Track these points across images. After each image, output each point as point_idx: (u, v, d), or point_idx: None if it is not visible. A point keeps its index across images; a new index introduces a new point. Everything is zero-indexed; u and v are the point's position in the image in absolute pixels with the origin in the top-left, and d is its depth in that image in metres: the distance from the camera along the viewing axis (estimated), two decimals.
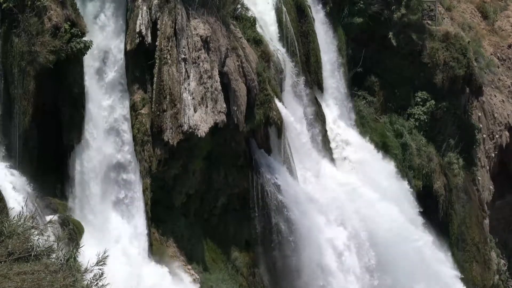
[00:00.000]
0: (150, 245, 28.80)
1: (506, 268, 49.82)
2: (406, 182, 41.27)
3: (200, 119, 29.01)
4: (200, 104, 29.16)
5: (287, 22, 35.93)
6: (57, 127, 26.55)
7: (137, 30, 28.18)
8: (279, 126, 32.57)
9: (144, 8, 28.50)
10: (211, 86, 29.54)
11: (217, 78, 29.80)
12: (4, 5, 24.52)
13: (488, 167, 48.82)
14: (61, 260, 13.32)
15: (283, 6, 35.92)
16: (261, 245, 32.77)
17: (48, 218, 23.57)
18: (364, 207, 36.80)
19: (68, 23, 25.68)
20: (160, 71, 28.61)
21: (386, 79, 43.11)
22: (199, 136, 28.95)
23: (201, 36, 29.61)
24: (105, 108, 27.90)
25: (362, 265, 35.51)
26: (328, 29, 39.84)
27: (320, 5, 39.56)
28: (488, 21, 53.78)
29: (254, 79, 31.23)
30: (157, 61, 28.62)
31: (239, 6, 33.06)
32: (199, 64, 29.40)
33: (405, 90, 43.53)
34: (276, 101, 32.90)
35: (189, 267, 30.07)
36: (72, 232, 24.68)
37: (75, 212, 26.71)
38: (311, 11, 38.08)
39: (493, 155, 49.44)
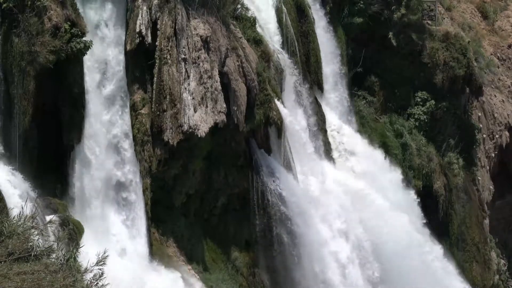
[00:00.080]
0: (150, 245, 28.79)
1: (506, 268, 49.81)
2: (412, 192, 40.86)
3: (200, 119, 29.02)
4: (200, 104, 29.17)
5: (287, 22, 35.93)
6: (57, 127, 26.54)
7: (137, 30, 28.18)
8: (279, 126, 32.57)
9: (144, 8, 28.50)
10: (211, 86, 29.54)
11: (217, 78, 29.80)
12: (4, 5, 24.52)
13: (488, 167, 48.82)
14: (61, 260, 13.31)
15: (283, 6, 35.93)
16: (261, 245, 32.77)
17: (48, 218, 23.57)
18: (372, 216, 36.13)
19: (68, 23, 25.67)
20: (160, 71, 28.61)
21: (386, 79, 43.12)
22: (199, 136, 28.96)
23: (201, 36, 29.61)
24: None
25: (365, 277, 35.18)
26: (328, 29, 39.84)
27: (320, 5, 39.56)
28: (488, 21, 53.78)
29: (254, 79, 31.24)
30: (157, 61, 28.62)
31: (239, 6, 33.06)
32: (199, 64, 29.40)
33: (405, 90, 43.53)
34: (276, 101, 32.90)
35: (189, 267, 30.07)
36: (72, 232, 24.67)
37: (75, 212, 26.71)
38: (311, 11, 38.09)
39: (493, 155, 49.44)
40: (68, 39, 25.51)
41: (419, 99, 43.47)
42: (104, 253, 13.23)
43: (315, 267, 33.50)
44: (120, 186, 28.08)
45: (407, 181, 41.21)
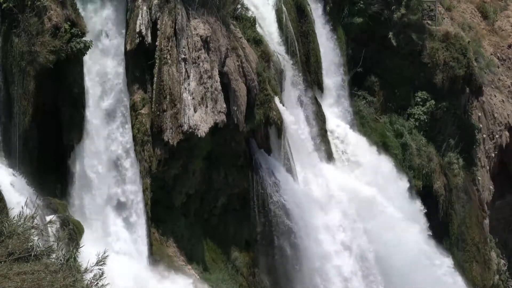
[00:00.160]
0: (150, 245, 28.79)
1: (506, 268, 49.81)
2: (419, 202, 40.34)
3: (200, 119, 29.02)
4: (200, 104, 29.17)
5: (287, 22, 35.93)
6: (57, 127, 26.54)
7: (137, 30, 28.18)
8: (279, 126, 32.57)
9: (144, 8, 28.50)
10: (211, 86, 29.54)
11: (217, 78, 29.80)
12: (4, 5, 24.52)
13: (488, 167, 48.82)
14: (61, 260, 13.32)
15: (283, 6, 35.93)
16: (261, 245, 32.76)
17: (48, 218, 23.57)
18: (380, 226, 35.25)
19: (68, 23, 25.67)
20: (160, 71, 28.61)
21: (386, 79, 43.12)
22: (199, 136, 28.96)
23: (201, 36, 29.62)
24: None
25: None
26: (328, 29, 39.85)
27: (320, 5, 39.57)
28: (488, 21, 53.78)
29: (254, 79, 31.24)
30: (157, 61, 28.62)
31: (239, 6, 33.06)
32: (199, 64, 29.40)
33: (405, 90, 43.54)
34: (276, 101, 32.90)
35: (189, 267, 30.07)
36: (72, 232, 24.67)
37: (75, 212, 26.72)
38: (311, 11, 38.09)
39: (493, 155, 49.44)
40: (68, 39, 25.51)
41: (419, 99, 43.48)
42: (104, 253, 13.24)
43: (315, 266, 33.49)
44: (121, 206, 28.11)
45: (413, 193, 40.64)
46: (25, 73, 24.77)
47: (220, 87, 29.75)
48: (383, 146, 40.97)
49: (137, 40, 28.25)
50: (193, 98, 28.98)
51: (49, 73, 25.48)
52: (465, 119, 45.94)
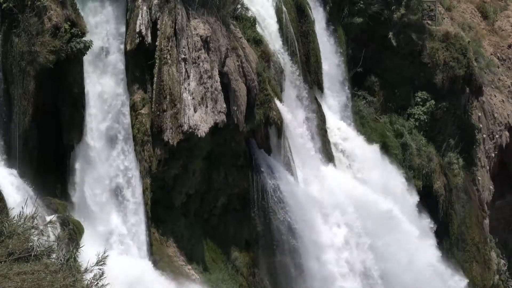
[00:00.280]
0: (150, 245, 28.79)
1: (506, 268, 49.82)
2: (428, 220, 39.63)
3: (200, 119, 29.02)
4: (200, 104, 29.17)
5: (287, 22, 35.93)
6: (57, 127, 26.54)
7: (137, 30, 28.18)
8: (279, 126, 32.57)
9: (144, 8, 28.50)
10: (211, 86, 29.54)
11: (217, 78, 29.80)
12: (4, 5, 24.51)
13: (488, 167, 48.83)
14: (61, 260, 13.32)
15: (283, 6, 35.92)
16: (261, 245, 32.76)
17: (48, 218, 23.57)
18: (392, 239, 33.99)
19: (68, 23, 25.67)
20: (160, 71, 28.61)
21: (386, 79, 43.13)
22: (199, 136, 28.95)
23: (201, 36, 29.62)
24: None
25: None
26: (328, 29, 39.85)
27: (320, 5, 39.57)
28: (488, 21, 53.80)
29: (254, 79, 31.24)
30: (157, 61, 28.61)
31: (239, 6, 33.06)
32: (199, 64, 29.40)
33: (405, 90, 43.55)
34: (276, 101, 32.90)
35: (189, 267, 30.06)
36: (72, 232, 24.66)
37: (75, 212, 26.72)
38: (311, 11, 38.09)
39: (493, 155, 49.45)
40: (68, 39, 25.50)
41: (419, 99, 43.48)
42: (104, 253, 13.23)
43: (315, 266, 33.49)
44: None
45: (422, 208, 39.86)
46: (25, 73, 24.77)
47: (220, 87, 29.75)
48: (383, 146, 40.97)
49: (137, 40, 28.25)
50: (193, 98, 28.98)
51: (49, 73, 25.47)
52: (465, 119, 45.94)
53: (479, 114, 47.93)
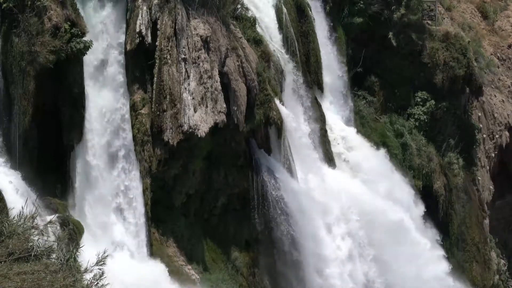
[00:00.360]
0: (150, 245, 28.79)
1: (506, 268, 49.80)
2: (434, 231, 38.83)
3: (200, 119, 29.01)
4: (200, 104, 29.17)
5: (287, 22, 35.93)
6: (57, 127, 26.54)
7: (137, 30, 28.18)
8: (279, 126, 32.57)
9: (144, 8, 28.50)
10: (211, 86, 29.54)
11: (217, 78, 29.80)
12: (4, 5, 24.52)
13: (488, 167, 48.82)
14: (61, 260, 13.32)
15: (283, 6, 35.92)
16: (261, 245, 32.75)
17: (48, 218, 23.56)
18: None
19: (68, 23, 25.67)
20: (160, 71, 28.61)
21: (386, 79, 43.12)
22: (199, 136, 28.95)
23: (201, 36, 29.61)
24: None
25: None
26: (328, 29, 39.84)
27: (320, 5, 39.57)
28: (488, 21, 53.78)
29: (254, 79, 31.23)
30: (157, 61, 28.62)
31: (239, 6, 33.06)
32: (199, 64, 29.40)
33: (405, 90, 43.54)
34: (276, 101, 32.90)
35: (189, 267, 30.06)
36: (72, 232, 24.67)
37: (75, 212, 26.73)
38: (311, 11, 38.09)
39: (493, 155, 49.44)
40: (68, 39, 25.51)
41: (419, 99, 43.48)
42: (104, 253, 13.23)
43: (314, 267, 33.48)
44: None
45: (428, 220, 39.15)
46: (25, 73, 24.77)
47: (220, 87, 29.75)
48: (383, 146, 40.96)
49: (137, 40, 28.25)
50: (193, 98, 28.98)
51: (49, 73, 25.48)
52: (465, 119, 45.94)
53: (479, 114, 47.93)
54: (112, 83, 28.01)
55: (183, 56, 29.03)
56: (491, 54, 51.47)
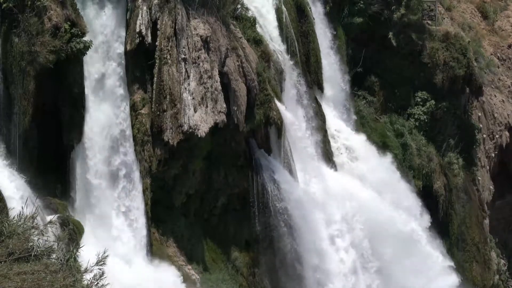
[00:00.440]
0: (150, 245, 28.79)
1: (506, 268, 49.81)
2: (439, 241, 38.21)
3: (200, 119, 29.01)
4: (200, 104, 29.17)
5: (287, 22, 35.92)
6: (57, 127, 26.54)
7: (137, 30, 28.18)
8: (279, 126, 32.57)
9: (144, 8, 28.50)
10: (211, 86, 29.54)
11: (217, 78, 29.80)
12: (4, 5, 24.51)
13: (488, 167, 48.83)
14: (61, 260, 13.32)
15: (283, 6, 35.92)
16: (261, 245, 32.75)
17: (48, 218, 23.56)
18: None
19: (68, 23, 25.66)
20: (160, 71, 28.61)
21: (386, 79, 43.13)
22: (199, 136, 28.95)
23: (201, 36, 29.61)
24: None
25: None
26: (328, 29, 39.83)
27: (320, 5, 39.56)
28: (488, 21, 53.79)
29: (254, 79, 31.23)
30: (157, 61, 28.61)
31: (239, 6, 33.06)
32: (199, 64, 29.40)
33: (405, 90, 43.54)
34: (276, 101, 32.89)
35: (189, 267, 30.06)
36: (72, 232, 24.67)
37: (75, 212, 26.72)
38: (311, 11, 38.09)
39: (493, 155, 49.45)
40: (68, 39, 25.50)
41: (419, 99, 43.48)
42: (104, 253, 13.23)
43: (314, 266, 33.47)
44: None
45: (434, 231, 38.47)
46: (25, 73, 24.76)
47: (220, 87, 29.75)
48: (383, 146, 40.96)
49: (137, 40, 28.25)
50: (193, 98, 28.98)
51: (49, 73, 25.47)
52: (465, 119, 45.94)
53: (479, 114, 47.93)
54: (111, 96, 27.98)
55: (183, 56, 29.03)
56: (491, 54, 51.48)
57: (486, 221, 47.38)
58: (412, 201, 37.90)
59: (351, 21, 40.81)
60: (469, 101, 46.77)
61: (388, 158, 38.85)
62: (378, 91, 42.98)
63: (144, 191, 28.56)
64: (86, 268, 13.25)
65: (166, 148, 28.87)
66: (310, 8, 38.07)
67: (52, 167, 26.48)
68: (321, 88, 38.62)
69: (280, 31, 35.76)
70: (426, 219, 39.06)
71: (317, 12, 39.10)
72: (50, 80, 25.80)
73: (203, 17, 30.04)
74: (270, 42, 34.73)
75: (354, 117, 40.54)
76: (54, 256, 13.48)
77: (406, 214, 35.09)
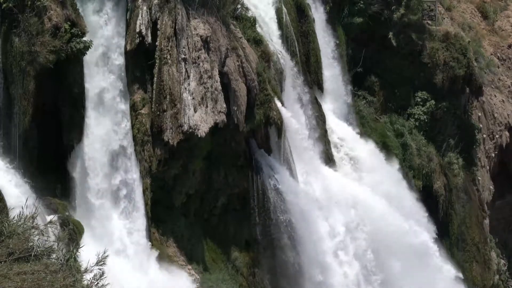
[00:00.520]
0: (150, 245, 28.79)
1: (506, 268, 49.82)
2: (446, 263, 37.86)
3: (200, 119, 29.01)
4: (200, 104, 29.16)
5: (287, 22, 35.92)
6: (57, 127, 26.54)
7: (137, 30, 28.18)
8: (279, 126, 32.56)
9: (144, 8, 28.50)
10: (211, 86, 29.54)
11: (217, 78, 29.79)
12: (4, 5, 24.50)
13: (488, 167, 48.84)
14: (61, 260, 13.32)
15: (283, 6, 35.92)
16: (261, 245, 32.74)
17: (48, 218, 23.56)
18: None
19: (68, 23, 25.66)
20: (160, 71, 28.60)
21: (386, 79, 43.14)
22: (199, 136, 28.95)
23: (201, 36, 29.61)
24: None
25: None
26: (328, 29, 39.84)
27: (320, 5, 39.57)
28: (488, 21, 53.80)
29: (254, 79, 31.23)
30: (157, 61, 28.61)
31: (239, 6, 33.06)
32: (199, 64, 29.40)
33: (405, 90, 43.55)
34: (276, 101, 32.89)
35: (189, 267, 30.06)
36: (72, 232, 24.66)
37: (75, 212, 26.72)
38: (311, 11, 38.09)
39: (493, 155, 49.45)
40: (68, 39, 25.50)
41: (419, 99, 43.49)
42: (104, 253, 13.23)
43: (315, 268, 33.45)
44: None
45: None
46: (25, 73, 24.76)
47: (220, 87, 29.75)
48: (384, 146, 40.96)
49: (137, 40, 28.25)
50: (193, 98, 28.98)
51: (49, 73, 25.47)
52: (465, 119, 45.95)
53: (479, 114, 47.94)
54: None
55: (183, 56, 29.03)
56: (491, 54, 51.50)
57: (486, 221, 47.38)
58: (418, 210, 37.39)
59: (351, 21, 40.82)
60: (469, 101, 46.78)
61: (395, 166, 38.38)
62: (378, 91, 42.99)
63: (144, 191, 28.56)
64: (86, 268, 13.26)
65: (166, 148, 28.87)
66: (310, 8, 38.06)
67: (52, 167, 26.48)
68: (321, 88, 38.63)
69: (280, 31, 35.76)
70: (432, 229, 38.85)
71: (317, 12, 39.10)
72: (50, 80, 25.80)
73: (203, 17, 30.04)
74: (270, 42, 34.73)
75: (354, 117, 40.56)
76: (54, 256, 13.48)
77: (416, 224, 34.02)
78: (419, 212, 37.93)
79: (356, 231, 32.75)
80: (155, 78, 28.61)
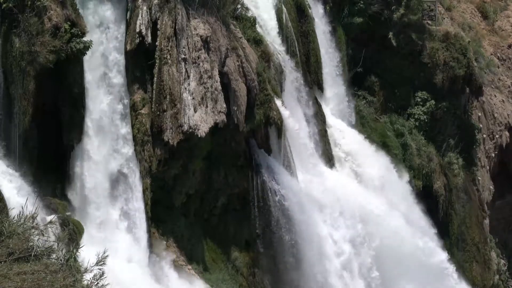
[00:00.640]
0: (150, 245, 28.77)
1: (506, 268, 49.82)
2: (446, 256, 38.07)
3: (200, 119, 29.01)
4: (200, 104, 29.16)
5: (287, 22, 35.93)
6: (57, 127, 26.54)
7: (137, 30, 28.17)
8: (279, 126, 32.56)
9: (144, 8, 28.49)
10: (211, 86, 29.54)
11: (217, 78, 29.79)
12: (4, 5, 24.50)
13: (488, 167, 48.84)
14: (61, 260, 13.32)
15: (283, 6, 35.92)
16: (261, 245, 32.74)
17: (48, 218, 23.56)
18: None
19: (68, 23, 25.66)
20: (160, 71, 28.60)
21: (386, 79, 43.14)
22: (199, 136, 28.95)
23: (201, 36, 29.61)
24: None
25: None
26: (328, 29, 39.84)
27: (320, 5, 39.57)
28: (488, 21, 53.81)
29: (254, 79, 31.23)
30: (157, 61, 28.61)
31: (239, 6, 33.06)
32: (199, 64, 29.39)
33: (405, 90, 43.56)
34: (276, 101, 32.89)
35: (189, 267, 30.06)
36: (72, 232, 24.66)
37: (75, 212, 26.72)
38: (311, 11, 38.09)
39: (493, 155, 49.46)
40: (68, 39, 25.49)
41: (419, 99, 43.49)
42: (104, 253, 13.23)
43: (315, 267, 33.45)
44: None
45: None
46: (25, 73, 24.76)
47: (220, 87, 29.75)
48: (384, 146, 40.97)
49: (137, 40, 28.24)
50: (193, 98, 28.98)
51: (49, 73, 25.46)
52: (465, 119, 45.96)
53: (479, 114, 47.94)
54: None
55: (183, 56, 29.03)
56: (491, 54, 51.50)
57: (486, 221, 47.39)
58: (425, 223, 37.09)
59: (351, 21, 40.82)
60: (469, 101, 46.79)
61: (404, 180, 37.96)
62: (378, 91, 42.99)
63: (144, 191, 28.56)
64: (86, 268, 13.26)
65: (166, 148, 28.86)
66: (310, 8, 38.06)
67: (52, 167, 26.48)
68: (321, 88, 38.64)
69: (280, 31, 35.76)
70: (433, 232, 38.69)
71: (317, 12, 39.10)
72: (50, 80, 25.79)
73: (203, 17, 30.04)
74: (270, 42, 34.74)
75: (354, 117, 40.56)
76: (54, 256, 13.48)
77: (430, 241, 33.46)
78: (427, 228, 37.44)
79: (362, 247, 32.41)
80: (155, 78, 28.60)
